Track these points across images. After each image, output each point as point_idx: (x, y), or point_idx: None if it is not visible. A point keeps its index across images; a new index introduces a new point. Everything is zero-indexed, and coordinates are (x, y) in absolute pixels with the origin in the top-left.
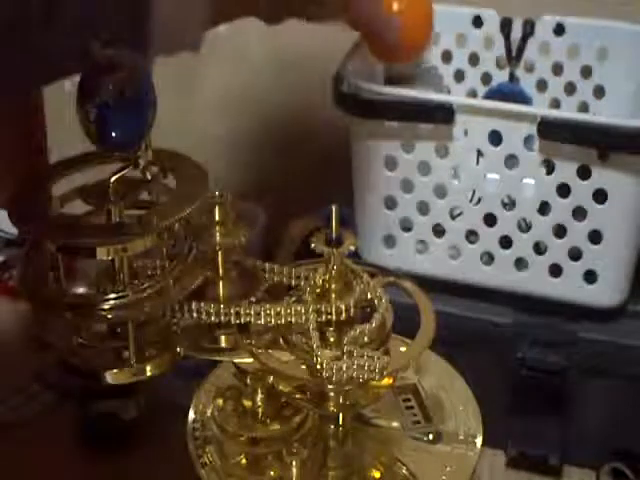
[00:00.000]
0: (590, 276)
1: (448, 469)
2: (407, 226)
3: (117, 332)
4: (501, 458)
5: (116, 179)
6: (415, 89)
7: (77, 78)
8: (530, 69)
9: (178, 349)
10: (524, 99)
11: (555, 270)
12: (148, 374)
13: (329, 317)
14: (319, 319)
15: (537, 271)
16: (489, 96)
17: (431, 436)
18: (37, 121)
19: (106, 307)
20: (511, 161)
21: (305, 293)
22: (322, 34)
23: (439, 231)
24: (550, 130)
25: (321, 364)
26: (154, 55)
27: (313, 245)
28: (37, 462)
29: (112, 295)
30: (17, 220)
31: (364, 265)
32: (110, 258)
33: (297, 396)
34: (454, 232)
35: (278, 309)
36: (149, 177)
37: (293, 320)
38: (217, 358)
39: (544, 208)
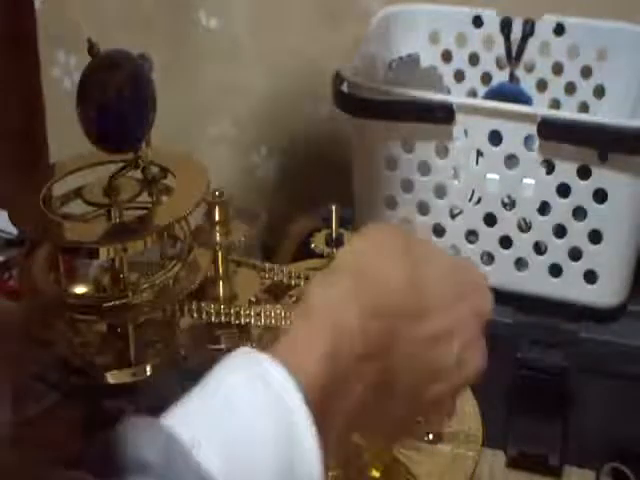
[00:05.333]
0: (590, 276)
1: (448, 469)
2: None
3: (117, 332)
4: (501, 458)
5: (116, 179)
6: (415, 89)
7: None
8: (530, 69)
9: (178, 349)
10: (524, 99)
11: (555, 270)
12: (148, 374)
13: None
14: None
15: (537, 271)
16: (489, 96)
17: (431, 436)
18: (37, 121)
19: (106, 307)
20: (511, 161)
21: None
22: (323, 33)
23: (439, 231)
24: (550, 130)
25: None
26: None
27: (313, 245)
28: (37, 462)
29: (112, 295)
30: (17, 220)
31: None
32: (110, 258)
33: None
34: (454, 232)
35: (278, 309)
36: (149, 177)
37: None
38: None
39: (544, 208)
